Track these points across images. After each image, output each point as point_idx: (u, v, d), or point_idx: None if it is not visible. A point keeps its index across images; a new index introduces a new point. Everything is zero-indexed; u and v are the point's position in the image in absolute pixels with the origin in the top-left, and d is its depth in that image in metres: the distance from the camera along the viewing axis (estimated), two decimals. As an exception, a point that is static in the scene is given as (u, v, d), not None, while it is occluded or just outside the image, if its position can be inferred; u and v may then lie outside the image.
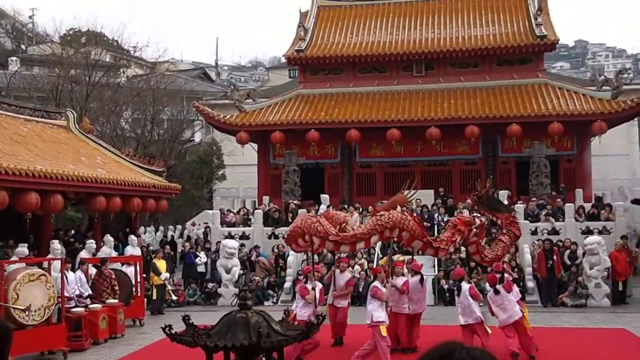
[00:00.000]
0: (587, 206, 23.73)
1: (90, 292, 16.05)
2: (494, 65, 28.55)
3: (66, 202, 20.11)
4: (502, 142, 27.04)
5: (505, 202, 24.21)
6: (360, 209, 24.68)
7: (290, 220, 24.33)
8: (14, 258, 15.73)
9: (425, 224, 22.86)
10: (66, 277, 14.88)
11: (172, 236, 27.45)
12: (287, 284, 21.49)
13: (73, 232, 23.69)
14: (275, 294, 21.63)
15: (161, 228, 30.02)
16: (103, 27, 59.39)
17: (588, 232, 22.28)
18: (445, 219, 23.39)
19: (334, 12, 32.23)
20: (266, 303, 20.97)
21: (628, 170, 35.75)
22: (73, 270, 16.28)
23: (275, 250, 23.04)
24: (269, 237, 24.18)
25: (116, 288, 16.58)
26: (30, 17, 60.16)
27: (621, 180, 32.04)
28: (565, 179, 26.99)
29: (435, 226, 23.10)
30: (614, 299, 19.89)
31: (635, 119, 31.90)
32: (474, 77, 28.34)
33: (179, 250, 25.22)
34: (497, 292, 12.78)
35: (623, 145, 35.60)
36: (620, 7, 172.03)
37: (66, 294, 14.66)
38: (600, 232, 22.22)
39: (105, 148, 25.14)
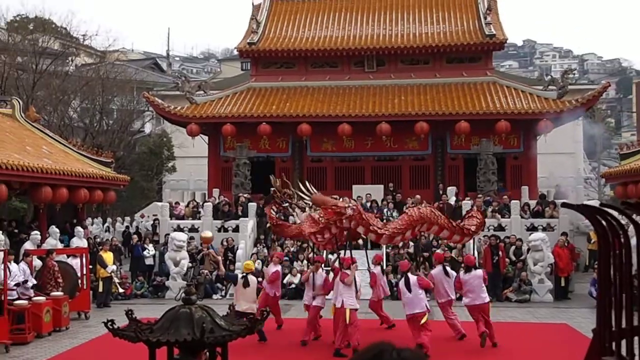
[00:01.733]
0: (533, 203, 24.22)
1: (35, 282, 15.78)
2: (444, 62, 28.86)
3: (10, 192, 19.70)
4: (451, 139, 27.39)
5: (453, 199, 24.70)
6: (311, 205, 24.74)
7: (240, 213, 24.28)
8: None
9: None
10: (9, 269, 14.60)
11: (137, 227, 26.98)
12: (236, 277, 21.43)
13: (17, 222, 23.21)
14: (223, 287, 21.57)
15: (109, 219, 29.65)
16: (51, 14, 58.36)
17: (533, 228, 22.77)
18: (394, 214, 23.66)
19: (287, 5, 32.17)
20: (214, 296, 20.92)
21: (573, 169, 36.64)
22: (17, 261, 15.98)
23: (225, 243, 22.96)
24: (219, 230, 24.07)
25: (60, 280, 16.32)
26: (-25, 2, 58.56)
27: (565, 178, 32.81)
28: (511, 176, 27.49)
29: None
30: (557, 294, 20.39)
31: (580, 118, 32.68)
32: (424, 74, 28.62)
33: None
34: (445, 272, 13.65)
35: (568, 144, 36.44)
36: (568, 9, 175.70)
37: (9, 286, 14.39)
38: (544, 229, 22.72)
39: (52, 138, 24.70)
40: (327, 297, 14.37)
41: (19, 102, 25.17)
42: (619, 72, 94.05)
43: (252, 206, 24.24)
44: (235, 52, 36.35)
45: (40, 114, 28.48)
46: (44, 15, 43.90)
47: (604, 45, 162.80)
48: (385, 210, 23.82)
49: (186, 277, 21.41)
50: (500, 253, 20.80)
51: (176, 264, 21.42)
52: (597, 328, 5.65)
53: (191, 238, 22.94)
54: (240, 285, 13.47)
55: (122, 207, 34.33)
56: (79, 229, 21.76)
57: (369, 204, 24.05)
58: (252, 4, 32.21)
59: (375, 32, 29.97)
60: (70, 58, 43.88)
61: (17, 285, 14.94)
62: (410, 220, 12.89)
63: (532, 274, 20.37)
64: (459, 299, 14.97)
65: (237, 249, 22.51)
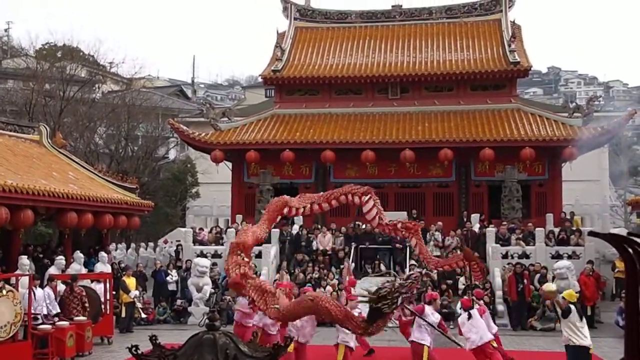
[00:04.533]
0: (557, 231, 23.97)
1: (59, 310, 15.86)
2: (468, 89, 28.85)
3: (36, 218, 19.88)
4: (475, 166, 27.27)
5: (477, 226, 24.51)
6: (333, 230, 24.74)
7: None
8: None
9: (398, 245, 23.18)
10: (34, 294, 14.70)
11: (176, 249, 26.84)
12: (259, 304, 21.38)
13: (42, 247, 23.38)
14: (246, 314, 21.48)
15: (133, 245, 29.77)
16: (79, 42, 58.95)
17: (558, 256, 22.51)
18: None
19: (311, 33, 32.42)
20: (237, 323, 20.83)
21: (598, 196, 36.23)
22: (41, 286, 16.08)
23: (247, 269, 22.90)
24: (242, 257, 24.04)
25: (87, 305, 16.41)
26: (5, 31, 59.67)
27: (591, 205, 32.47)
28: (536, 203, 27.26)
29: (407, 248, 23.18)
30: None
31: (606, 145, 32.39)
32: (448, 101, 28.62)
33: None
34: (470, 316, 12.93)
35: (594, 171, 36.11)
36: (592, 36, 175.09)
37: (33, 311, 14.48)
38: (569, 257, 22.46)
39: (78, 164, 24.94)
40: None
41: (46, 128, 25.49)
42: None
43: (275, 232, 24.22)
44: (260, 80, 36.63)
45: (67, 140, 28.79)
46: (72, 44, 44.55)
47: (629, 72, 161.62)
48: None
49: (209, 303, 21.40)
50: (525, 281, 20.56)
51: (199, 289, 21.44)
52: (625, 357, 5.55)
53: (214, 264, 22.96)
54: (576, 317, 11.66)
55: (146, 232, 34.48)
56: (102, 254, 21.87)
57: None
58: (277, 31, 32.50)
59: (399, 60, 30.07)
60: (97, 85, 44.49)
61: (40, 316, 15.06)
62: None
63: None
64: None
65: (260, 275, 22.47)
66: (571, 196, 30.39)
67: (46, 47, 46.69)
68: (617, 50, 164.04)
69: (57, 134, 26.53)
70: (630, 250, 5.40)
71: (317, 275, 22.09)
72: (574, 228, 24.55)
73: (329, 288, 21.26)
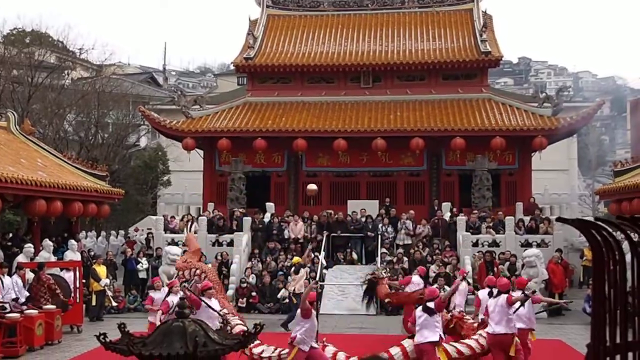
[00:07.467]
0: (527, 219, 24.26)
1: (28, 294, 15.67)
2: (439, 79, 28.98)
3: (4, 205, 19.62)
4: (446, 155, 27.45)
5: (448, 214, 24.70)
6: (305, 218, 24.75)
7: (234, 227, 24.22)
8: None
9: (369, 233, 23.32)
10: (1, 282, 14.53)
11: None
12: (230, 292, 21.37)
13: (11, 235, 23.10)
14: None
15: (103, 233, 29.55)
16: (48, 27, 58.30)
17: (527, 244, 22.78)
18: (389, 229, 23.70)
19: (284, 21, 32.30)
20: (208, 311, 20.78)
21: (567, 186, 36.73)
22: (10, 274, 15.89)
23: (219, 257, 22.88)
24: (213, 245, 24.00)
25: (58, 292, 16.24)
26: (-28, 15, 58.57)
27: (559, 195, 32.90)
28: (506, 192, 27.54)
29: (379, 236, 23.31)
30: (550, 310, 20.32)
31: (575, 135, 32.80)
32: (420, 90, 28.73)
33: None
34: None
35: (563, 161, 36.57)
36: (563, 27, 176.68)
37: (1, 299, 14.31)
38: (538, 245, 22.74)
39: (47, 151, 24.64)
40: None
41: (14, 114, 25.13)
42: (613, 90, 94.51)
43: (247, 220, 24.20)
44: (232, 67, 36.45)
45: (35, 127, 28.41)
46: (41, 29, 43.83)
47: (598, 63, 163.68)
48: (380, 225, 23.82)
49: (180, 291, 21.28)
50: (495, 269, 20.78)
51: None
52: (592, 343, 5.63)
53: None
54: None
55: (117, 220, 34.24)
56: (72, 242, 21.66)
57: (364, 219, 24.06)
58: (249, 19, 32.34)
59: (372, 48, 30.10)
60: (66, 71, 43.91)
61: (15, 300, 14.87)
62: None
63: (526, 290, 20.32)
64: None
65: (232, 263, 22.46)
66: (540, 185, 30.76)
67: (14, 32, 45.90)
68: (586, 42, 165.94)
69: (25, 120, 26.17)
70: (598, 236, 5.46)
71: (289, 264, 22.09)
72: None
73: (302, 273, 21.25)
